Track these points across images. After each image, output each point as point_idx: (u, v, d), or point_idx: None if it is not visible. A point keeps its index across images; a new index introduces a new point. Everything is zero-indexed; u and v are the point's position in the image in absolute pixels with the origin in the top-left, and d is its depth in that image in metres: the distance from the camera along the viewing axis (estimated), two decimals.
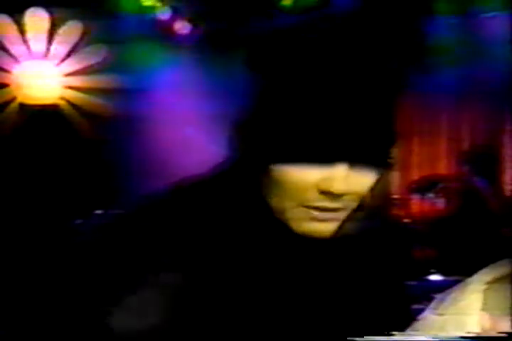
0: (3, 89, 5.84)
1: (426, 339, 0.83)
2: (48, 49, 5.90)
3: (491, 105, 5.83)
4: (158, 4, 6.05)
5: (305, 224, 0.98)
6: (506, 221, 4.76)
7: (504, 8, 5.58)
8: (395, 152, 0.99)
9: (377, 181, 0.99)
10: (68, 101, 5.94)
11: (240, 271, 0.99)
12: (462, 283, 0.88)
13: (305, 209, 0.97)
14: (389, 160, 0.99)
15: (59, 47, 5.88)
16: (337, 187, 0.94)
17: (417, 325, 0.90)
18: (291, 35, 0.99)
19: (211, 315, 0.96)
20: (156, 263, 0.96)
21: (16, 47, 5.84)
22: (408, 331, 0.89)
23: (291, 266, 1.02)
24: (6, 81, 5.87)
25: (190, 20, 6.06)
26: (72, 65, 5.94)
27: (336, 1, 5.28)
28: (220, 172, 1.05)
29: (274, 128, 0.95)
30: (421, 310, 0.96)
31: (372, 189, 0.99)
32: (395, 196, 5.12)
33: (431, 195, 5.14)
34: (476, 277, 0.87)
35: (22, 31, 5.80)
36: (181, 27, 6.09)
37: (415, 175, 5.68)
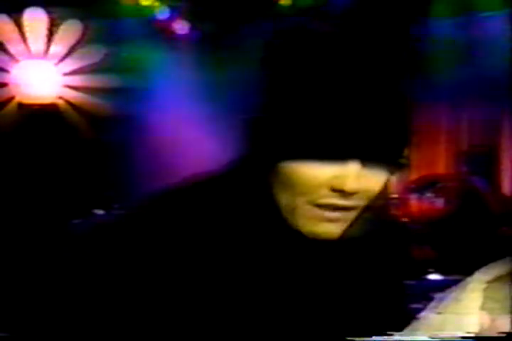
0: (2, 89, 5.83)
1: (426, 339, 0.83)
2: (46, 48, 5.90)
3: (489, 105, 5.83)
4: (157, 4, 6.04)
5: (314, 224, 0.97)
6: (505, 220, 4.76)
7: (502, 8, 5.58)
8: (408, 152, 0.99)
9: (388, 180, 0.99)
10: (67, 101, 5.94)
11: (245, 268, 0.99)
12: (462, 282, 0.88)
13: (315, 208, 0.96)
14: (401, 160, 0.99)
15: (57, 47, 5.88)
16: (349, 185, 0.94)
17: (416, 323, 0.90)
18: (304, 33, 0.98)
19: (216, 312, 0.96)
20: (164, 260, 0.96)
21: (14, 47, 5.84)
22: (408, 330, 0.89)
23: (294, 265, 1.02)
24: (5, 80, 5.87)
25: (188, 20, 6.05)
26: (71, 64, 5.93)
27: (333, 1, 5.28)
28: (228, 170, 1.05)
29: (287, 125, 0.94)
30: (420, 310, 0.97)
31: (383, 188, 0.99)
32: (394, 195, 5.12)
33: (429, 194, 5.14)
34: (475, 276, 0.87)
35: (21, 31, 5.79)
36: (180, 27, 6.08)
37: (414, 174, 5.67)
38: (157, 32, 6.02)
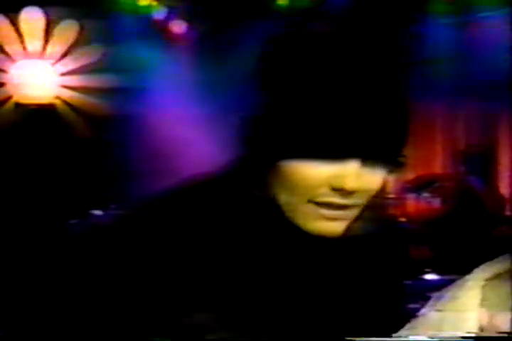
0: None
1: (425, 339, 0.83)
2: (43, 48, 5.89)
3: (486, 105, 5.83)
4: (154, 4, 6.04)
5: (314, 222, 0.98)
6: (501, 220, 4.77)
7: (500, 8, 5.58)
8: (407, 151, 0.99)
9: (387, 179, 0.99)
10: (64, 101, 5.94)
11: (246, 267, 0.99)
12: (460, 280, 0.88)
13: (315, 206, 0.97)
14: (400, 159, 0.99)
15: (55, 47, 5.87)
16: (349, 184, 0.94)
17: (415, 321, 0.90)
18: (302, 33, 0.99)
19: (218, 310, 0.96)
20: (163, 261, 0.96)
21: (11, 47, 5.83)
22: (407, 328, 0.89)
23: (295, 263, 1.02)
24: (2, 80, 5.86)
25: (186, 20, 6.05)
26: (68, 64, 5.93)
27: (331, 1, 5.28)
28: (228, 170, 1.05)
29: (287, 124, 0.94)
30: (417, 309, 0.97)
31: (382, 187, 0.99)
32: (391, 195, 5.12)
33: (426, 194, 5.13)
34: (474, 274, 0.87)
35: (18, 31, 5.79)
36: (177, 27, 6.08)
37: (411, 174, 5.68)
38: (155, 32, 6.02)
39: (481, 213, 4.61)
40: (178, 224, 0.99)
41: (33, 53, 5.89)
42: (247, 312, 0.98)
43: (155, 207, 1.02)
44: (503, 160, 5.89)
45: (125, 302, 0.96)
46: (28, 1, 5.76)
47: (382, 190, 1.01)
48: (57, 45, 5.88)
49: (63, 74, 5.94)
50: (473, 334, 0.82)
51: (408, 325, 0.90)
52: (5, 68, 5.86)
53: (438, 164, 6.11)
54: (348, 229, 1.00)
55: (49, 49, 5.89)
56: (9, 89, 5.87)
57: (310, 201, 0.97)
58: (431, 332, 0.84)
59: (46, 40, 5.87)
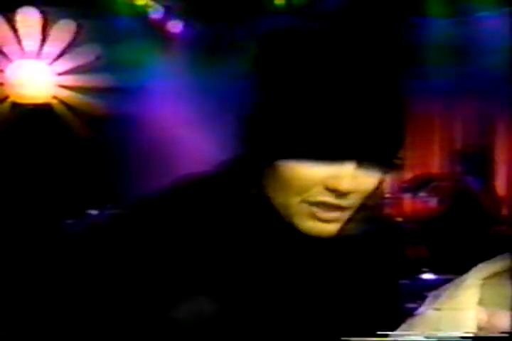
0: None
1: (422, 339, 0.83)
2: (40, 48, 5.89)
3: (483, 105, 5.84)
4: (151, 3, 6.04)
5: (308, 223, 0.98)
6: (498, 219, 4.77)
7: (497, 8, 5.59)
8: (402, 153, 0.99)
9: (382, 181, 0.99)
10: (61, 101, 5.93)
11: (241, 266, 0.99)
12: (458, 279, 0.88)
13: (310, 207, 0.97)
14: (395, 161, 0.99)
15: (51, 47, 5.87)
16: (344, 185, 0.94)
17: (413, 320, 0.90)
18: (299, 32, 0.99)
19: (213, 310, 0.96)
20: (159, 261, 0.96)
21: (8, 46, 5.83)
22: (404, 327, 0.89)
23: (290, 263, 1.02)
24: None
25: (182, 19, 6.05)
26: (65, 64, 5.92)
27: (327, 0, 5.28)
28: (223, 170, 1.05)
29: (283, 125, 0.94)
30: (414, 309, 0.97)
31: (376, 188, 0.99)
32: (388, 195, 5.12)
33: (423, 193, 5.14)
34: (471, 273, 0.87)
35: (14, 30, 5.78)
36: (174, 26, 6.08)
37: (408, 173, 5.68)
38: (151, 31, 6.02)
39: (478, 213, 4.62)
40: (174, 223, 0.99)
41: (29, 53, 5.88)
42: (243, 311, 0.98)
43: (151, 207, 1.02)
44: (500, 159, 5.90)
45: (122, 302, 0.95)
46: (24, 0, 5.75)
47: (379, 190, 1.01)
48: (54, 45, 5.87)
49: (60, 74, 5.94)
50: (471, 334, 0.82)
51: (405, 325, 0.90)
52: (2, 68, 5.86)
53: (435, 164, 6.12)
54: (345, 228, 1.00)
55: (46, 49, 5.89)
56: (6, 89, 5.87)
57: (304, 201, 0.97)
58: (428, 332, 0.84)
59: (43, 40, 5.87)
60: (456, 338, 0.81)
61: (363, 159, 0.95)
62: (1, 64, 5.85)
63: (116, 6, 5.92)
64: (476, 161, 4.84)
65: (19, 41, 5.83)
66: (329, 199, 0.96)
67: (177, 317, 0.95)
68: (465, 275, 0.88)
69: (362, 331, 0.86)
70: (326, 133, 0.93)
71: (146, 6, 6.03)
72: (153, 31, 6.02)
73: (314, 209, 0.97)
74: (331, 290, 1.05)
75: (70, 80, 5.93)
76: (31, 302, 1.02)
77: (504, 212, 5.22)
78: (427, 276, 3.92)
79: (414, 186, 5.22)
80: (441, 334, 0.83)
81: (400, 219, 4.91)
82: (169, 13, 6.05)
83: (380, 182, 0.99)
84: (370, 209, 1.03)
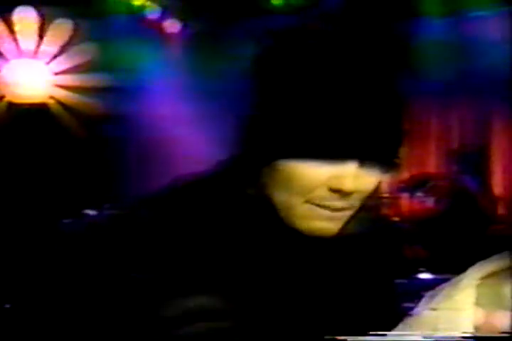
0: None
1: (419, 339, 0.83)
2: (37, 47, 5.88)
3: (480, 104, 5.85)
4: (148, 3, 6.04)
5: (311, 222, 0.98)
6: (495, 219, 4.78)
7: (493, 8, 5.59)
8: (402, 152, 0.99)
9: (382, 180, 0.99)
10: (57, 100, 5.93)
11: (238, 265, 0.99)
12: (455, 279, 0.88)
13: (312, 207, 0.97)
14: (396, 160, 0.99)
15: (48, 46, 5.86)
16: (347, 185, 0.94)
17: (409, 320, 0.90)
18: (298, 32, 0.99)
19: (210, 310, 0.96)
20: (158, 261, 0.96)
21: (4, 46, 5.82)
22: (400, 327, 0.89)
23: (288, 263, 1.02)
24: None
25: (180, 19, 6.05)
26: (62, 63, 5.92)
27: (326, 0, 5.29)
28: (223, 169, 1.05)
29: (285, 125, 0.94)
30: (410, 308, 0.97)
31: (377, 188, 0.99)
32: (385, 195, 5.12)
33: (420, 193, 5.15)
34: (468, 273, 0.87)
35: (11, 30, 5.78)
36: (171, 26, 6.08)
37: (405, 173, 5.69)
38: (148, 31, 6.02)
39: (475, 212, 4.62)
40: (173, 223, 0.99)
41: (26, 52, 5.88)
42: (241, 310, 0.98)
43: (149, 207, 1.02)
44: (497, 159, 5.91)
45: (120, 302, 0.95)
46: (21, 0, 5.75)
47: (377, 190, 1.01)
48: (51, 45, 5.87)
49: (57, 74, 5.94)
50: (468, 334, 0.82)
51: (402, 324, 0.90)
52: None
53: (432, 163, 6.12)
54: (342, 228, 1.00)
55: (43, 48, 5.88)
56: (2, 89, 5.86)
57: (307, 202, 0.97)
58: (425, 331, 0.84)
59: (40, 39, 5.86)
60: (453, 338, 0.81)
61: (365, 158, 0.95)
62: None
63: (113, 5, 5.91)
64: (473, 161, 4.85)
65: (16, 40, 5.82)
66: (333, 200, 0.96)
67: (176, 317, 0.95)
68: (461, 275, 0.88)
69: (359, 330, 0.86)
70: (328, 133, 0.93)
71: (143, 5, 6.03)
72: (150, 31, 6.01)
73: (317, 209, 0.97)
74: (328, 291, 1.05)
75: (66, 80, 5.92)
76: (29, 301, 1.02)
77: (501, 211, 5.22)
78: (424, 276, 3.92)
79: (412, 186, 5.23)
80: (438, 334, 0.83)
81: (397, 218, 4.91)
82: (166, 13, 6.05)
83: (381, 182, 0.99)
84: (368, 209, 1.04)
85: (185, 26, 6.05)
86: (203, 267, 0.97)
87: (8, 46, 5.82)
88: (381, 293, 1.12)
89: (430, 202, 5.04)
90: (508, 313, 0.83)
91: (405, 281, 3.40)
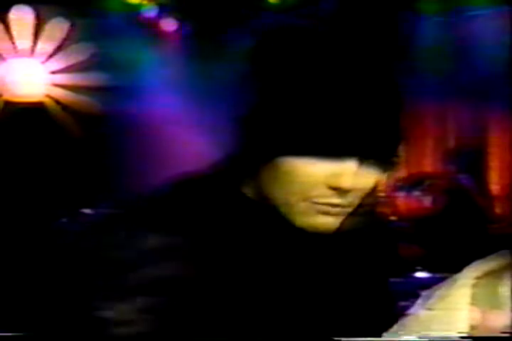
0: None
1: (415, 339, 0.83)
2: (33, 46, 5.87)
3: (476, 103, 5.85)
4: (145, 2, 6.03)
5: (310, 218, 0.98)
6: (492, 218, 4.78)
7: (490, 6, 5.60)
8: (401, 150, 1.00)
9: (381, 178, 0.99)
10: (54, 99, 5.92)
11: (236, 263, 0.99)
12: (450, 279, 0.88)
13: (311, 204, 0.97)
14: (394, 158, 0.99)
15: (45, 45, 5.86)
16: (346, 183, 0.95)
17: (405, 320, 0.90)
18: (296, 30, 0.99)
19: (208, 309, 0.96)
20: (157, 261, 0.96)
21: (1, 45, 5.81)
22: (397, 327, 0.89)
23: (284, 259, 1.02)
24: None
25: (176, 18, 6.05)
26: (58, 62, 5.91)
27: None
28: (221, 167, 1.05)
29: (284, 123, 0.94)
30: (407, 307, 0.97)
31: (375, 186, 1.00)
32: (382, 193, 5.12)
33: (417, 192, 5.15)
34: (464, 272, 0.87)
35: (7, 29, 5.77)
36: (168, 24, 6.08)
37: (402, 172, 5.69)
38: (145, 30, 6.01)
39: (472, 211, 4.63)
40: (170, 222, 0.99)
41: (22, 51, 5.87)
42: (240, 309, 0.98)
43: (146, 205, 1.02)
44: (494, 158, 5.91)
45: (118, 302, 0.95)
46: None
47: (375, 188, 1.01)
48: (47, 44, 5.86)
49: (53, 73, 5.93)
50: (463, 334, 0.82)
51: (398, 324, 0.90)
52: None
53: (429, 162, 6.13)
54: (342, 226, 1.00)
55: (39, 47, 5.87)
56: None
57: (306, 199, 0.97)
58: (421, 331, 0.84)
59: (36, 39, 5.85)
60: (449, 338, 0.81)
61: (365, 156, 0.95)
62: None
63: (109, 4, 5.91)
64: (470, 160, 4.86)
65: (12, 40, 5.81)
66: (332, 198, 0.96)
67: (175, 317, 0.95)
68: (457, 275, 0.88)
69: (354, 330, 0.86)
70: (327, 130, 0.93)
71: (139, 4, 6.02)
72: (146, 30, 6.01)
73: (316, 207, 0.97)
74: (324, 288, 1.05)
75: (63, 79, 5.91)
76: (26, 301, 1.01)
77: (498, 210, 5.23)
78: (421, 275, 3.93)
79: (409, 184, 5.23)
80: (433, 334, 0.83)
81: (394, 217, 4.91)
82: (163, 11, 6.05)
83: (379, 180, 0.99)
84: (365, 208, 1.04)
85: (182, 25, 6.05)
86: (202, 266, 0.97)
87: (4, 45, 5.81)
88: (377, 291, 1.12)
89: (427, 201, 5.04)
90: (503, 313, 0.83)
91: (402, 280, 3.40)
